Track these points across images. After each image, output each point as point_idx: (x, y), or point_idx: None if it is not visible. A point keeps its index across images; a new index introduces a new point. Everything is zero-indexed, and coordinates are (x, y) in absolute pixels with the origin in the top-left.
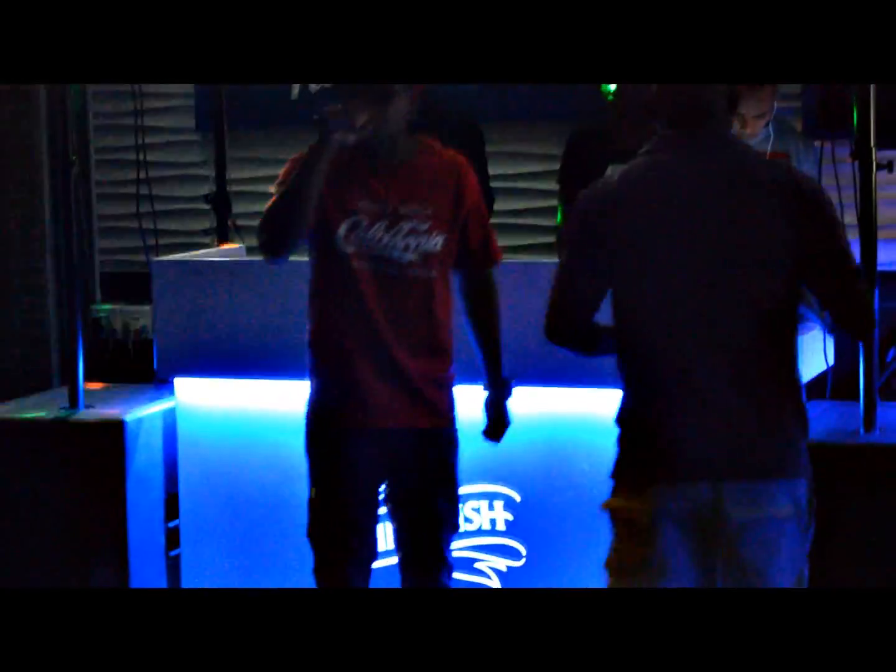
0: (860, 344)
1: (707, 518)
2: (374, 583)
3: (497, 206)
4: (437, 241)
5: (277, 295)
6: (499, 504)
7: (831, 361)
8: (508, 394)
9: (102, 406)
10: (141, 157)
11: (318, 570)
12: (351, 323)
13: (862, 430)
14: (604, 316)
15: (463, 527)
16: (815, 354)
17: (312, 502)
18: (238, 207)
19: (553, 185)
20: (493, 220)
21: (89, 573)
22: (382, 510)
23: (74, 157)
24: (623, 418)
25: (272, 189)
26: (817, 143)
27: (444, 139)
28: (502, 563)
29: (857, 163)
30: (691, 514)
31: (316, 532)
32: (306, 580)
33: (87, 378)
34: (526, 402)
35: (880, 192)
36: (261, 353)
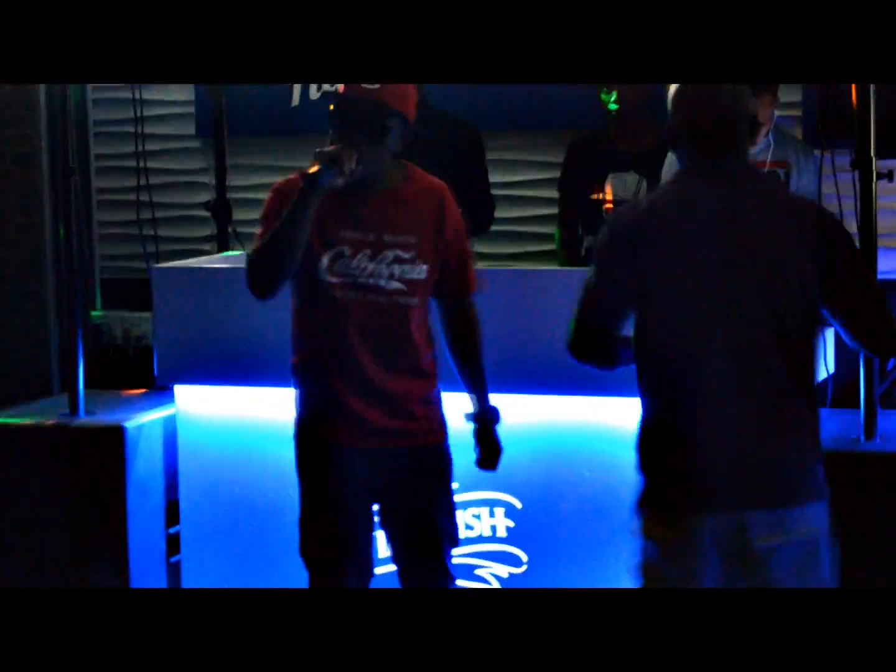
0: (861, 352)
1: (734, 545)
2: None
3: (497, 214)
4: (421, 269)
5: (277, 302)
6: (500, 511)
7: (832, 369)
8: (497, 421)
9: (103, 412)
10: (141, 164)
11: (313, 587)
12: (334, 350)
13: (863, 438)
14: None
15: (464, 534)
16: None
17: (304, 521)
18: (238, 214)
19: (552, 193)
20: (493, 228)
21: (90, 579)
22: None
23: (75, 164)
24: (646, 445)
25: (258, 230)
26: (817, 153)
27: (444, 146)
28: (503, 570)
29: (857, 172)
30: (719, 542)
31: (309, 550)
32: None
33: (88, 385)
34: (526, 409)
35: (880, 201)
36: (261, 361)
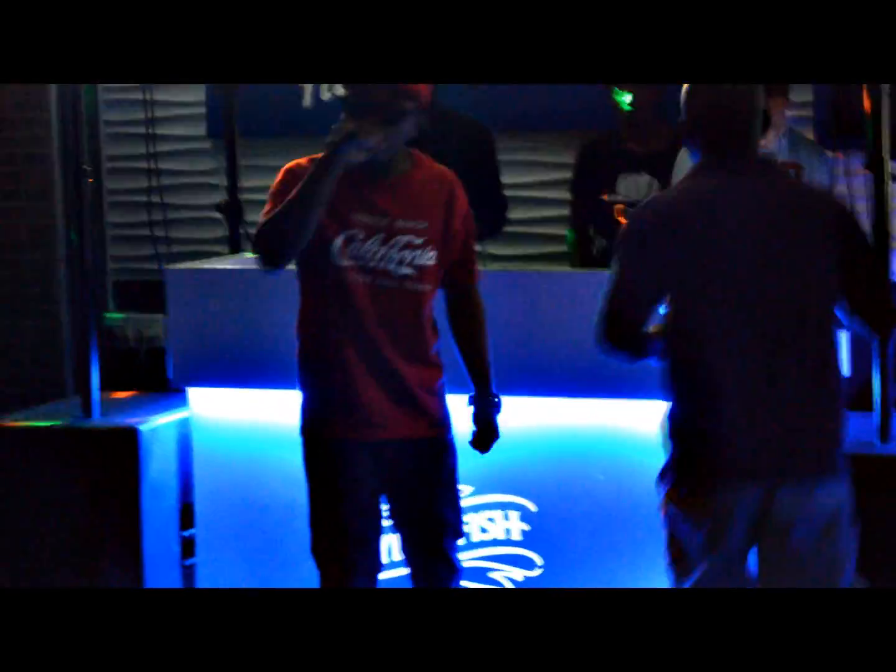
0: (875, 355)
1: (760, 514)
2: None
3: (509, 215)
4: (431, 256)
5: (290, 304)
6: (514, 514)
7: (846, 372)
8: (497, 410)
9: (116, 415)
10: (153, 165)
11: (324, 586)
12: (348, 334)
13: (877, 442)
14: None
15: (478, 536)
16: None
17: (314, 518)
18: (250, 216)
19: (564, 195)
20: (504, 229)
21: (104, 581)
22: (386, 522)
23: (86, 166)
24: (675, 423)
25: (266, 205)
26: (830, 154)
27: (456, 147)
28: (518, 573)
29: (870, 174)
30: (748, 512)
31: (319, 548)
32: None
33: (101, 387)
34: (541, 412)
35: (893, 203)
36: (274, 363)
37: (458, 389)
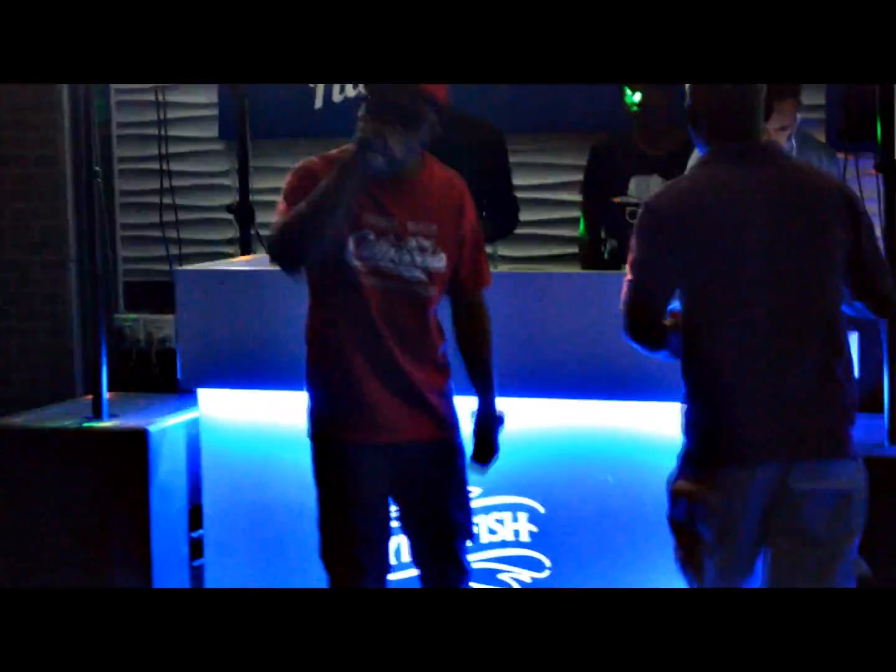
0: (885, 357)
1: (774, 491)
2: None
3: (520, 217)
4: (440, 259)
5: (300, 305)
6: (523, 516)
7: (856, 374)
8: (499, 426)
9: (126, 416)
10: (164, 166)
11: (333, 585)
12: (357, 336)
13: (887, 443)
14: None
15: (487, 538)
16: None
17: (322, 521)
18: (261, 217)
19: (575, 196)
20: (517, 231)
21: (113, 582)
22: (394, 523)
23: (98, 167)
24: (690, 414)
25: (280, 206)
26: (841, 156)
27: (468, 150)
28: (526, 575)
29: (881, 175)
30: (760, 492)
31: (328, 551)
32: None
33: (111, 388)
34: (550, 414)
35: None
36: (284, 364)
37: (466, 391)
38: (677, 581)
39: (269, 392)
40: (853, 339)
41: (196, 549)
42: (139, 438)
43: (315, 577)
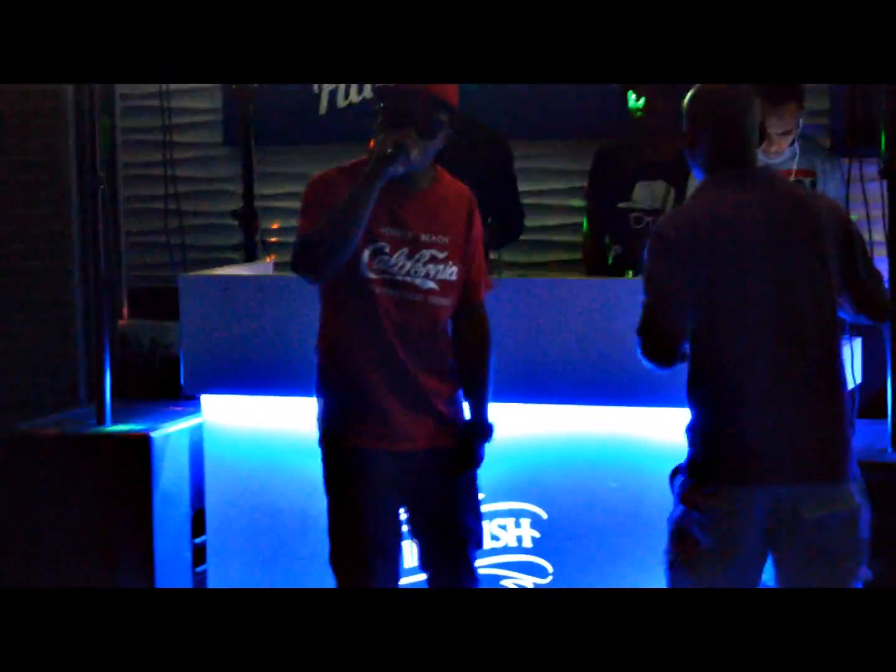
0: (889, 363)
1: (785, 517)
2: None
3: (525, 223)
4: (452, 271)
5: (305, 311)
6: (525, 521)
7: (859, 379)
8: (486, 437)
9: (129, 422)
10: (169, 172)
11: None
12: (371, 346)
13: (890, 449)
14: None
15: (489, 544)
16: None
17: (333, 527)
18: (266, 223)
19: (580, 202)
20: (521, 237)
21: (116, 587)
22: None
23: (102, 173)
24: (697, 427)
25: (300, 220)
26: (844, 162)
27: (474, 156)
28: (529, 581)
29: (885, 181)
30: (764, 512)
31: (338, 557)
32: None
33: (114, 394)
34: (553, 420)
35: None
36: (288, 371)
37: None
38: None
39: (272, 398)
40: (857, 345)
41: (199, 554)
42: (142, 444)
43: (317, 582)
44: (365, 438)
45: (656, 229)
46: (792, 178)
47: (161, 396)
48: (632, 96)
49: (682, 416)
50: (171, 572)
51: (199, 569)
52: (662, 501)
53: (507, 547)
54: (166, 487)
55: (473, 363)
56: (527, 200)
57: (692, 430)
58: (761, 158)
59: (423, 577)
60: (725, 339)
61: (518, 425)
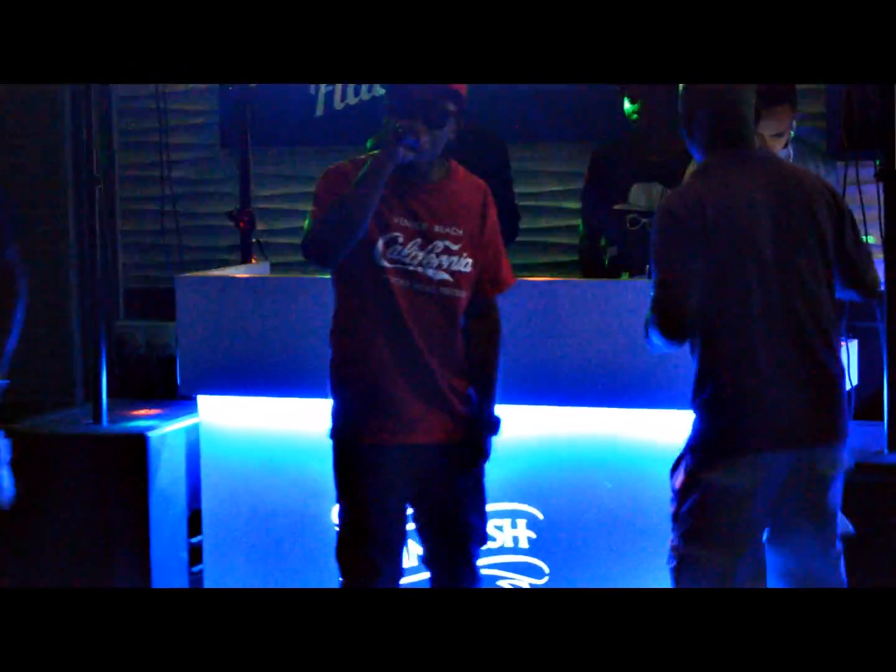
0: (885, 365)
1: (801, 477)
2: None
3: (520, 225)
4: (467, 262)
5: (301, 312)
6: (522, 522)
7: (855, 381)
8: (494, 432)
9: (126, 422)
10: (165, 173)
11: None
12: (387, 337)
13: (886, 450)
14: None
15: (486, 545)
16: None
17: (340, 522)
18: (262, 224)
19: (576, 204)
20: (517, 238)
21: (112, 587)
22: (409, 526)
23: (99, 174)
24: (714, 397)
25: (311, 209)
26: (840, 164)
27: (470, 156)
28: (525, 581)
29: (881, 184)
30: (780, 476)
31: (343, 552)
32: None
33: (111, 394)
34: (549, 421)
35: None
36: (284, 371)
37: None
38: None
39: (268, 399)
40: (853, 347)
41: (195, 554)
42: (139, 444)
43: (313, 581)
44: (379, 434)
45: (665, 207)
46: None
47: (157, 396)
48: (626, 102)
49: (676, 418)
50: (168, 572)
51: (195, 568)
52: (657, 502)
53: (504, 547)
54: (163, 487)
55: (483, 357)
56: (523, 202)
57: (708, 404)
58: None
59: (421, 576)
60: (739, 311)
61: (513, 426)
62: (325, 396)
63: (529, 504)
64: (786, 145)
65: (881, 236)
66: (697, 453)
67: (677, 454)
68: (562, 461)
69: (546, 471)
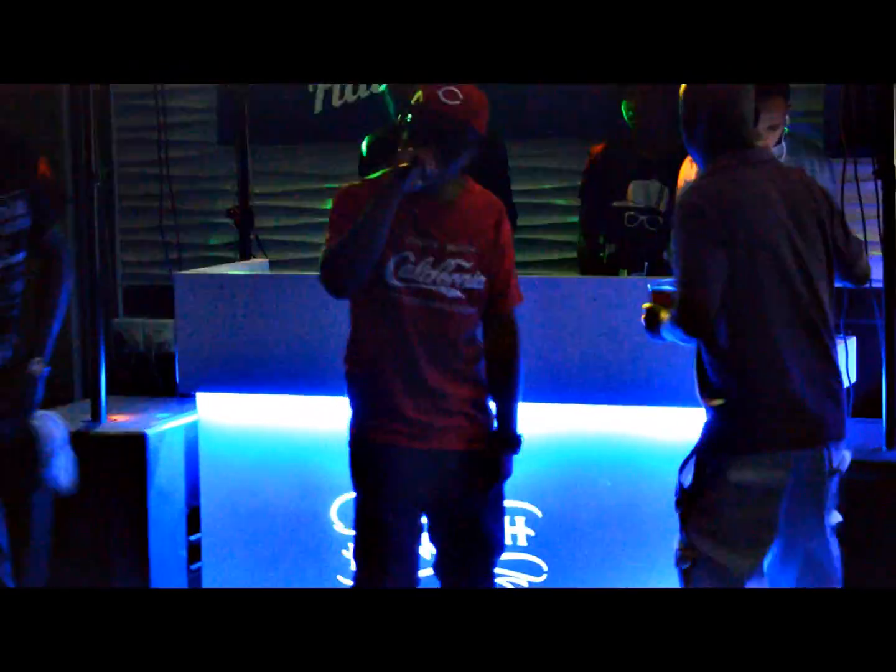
0: (883, 363)
1: (815, 472)
2: None
3: (518, 222)
4: (479, 280)
5: (300, 309)
6: (520, 520)
7: (854, 379)
8: (514, 450)
9: (124, 420)
10: (164, 171)
11: (357, 585)
12: (393, 353)
13: (884, 448)
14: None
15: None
16: None
17: (357, 519)
18: (260, 222)
19: (571, 201)
20: (515, 236)
21: (111, 585)
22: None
23: (97, 172)
24: (740, 395)
25: (327, 233)
26: (835, 161)
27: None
28: (523, 579)
29: (879, 181)
30: (803, 471)
31: (358, 550)
32: None
33: (109, 391)
34: (547, 419)
35: None
36: (282, 369)
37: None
38: (674, 584)
39: (267, 396)
40: (851, 345)
41: (194, 552)
42: (137, 442)
43: (312, 579)
44: (392, 436)
45: (687, 204)
46: None
47: (156, 394)
48: (625, 98)
49: (674, 415)
50: (167, 570)
51: (194, 566)
52: (656, 499)
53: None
54: (161, 485)
55: (500, 373)
56: (521, 199)
57: (734, 402)
58: None
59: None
60: (764, 308)
61: None
62: (324, 394)
63: (528, 502)
64: (779, 140)
65: (879, 233)
66: (719, 452)
67: (687, 452)
68: (560, 459)
69: (544, 468)
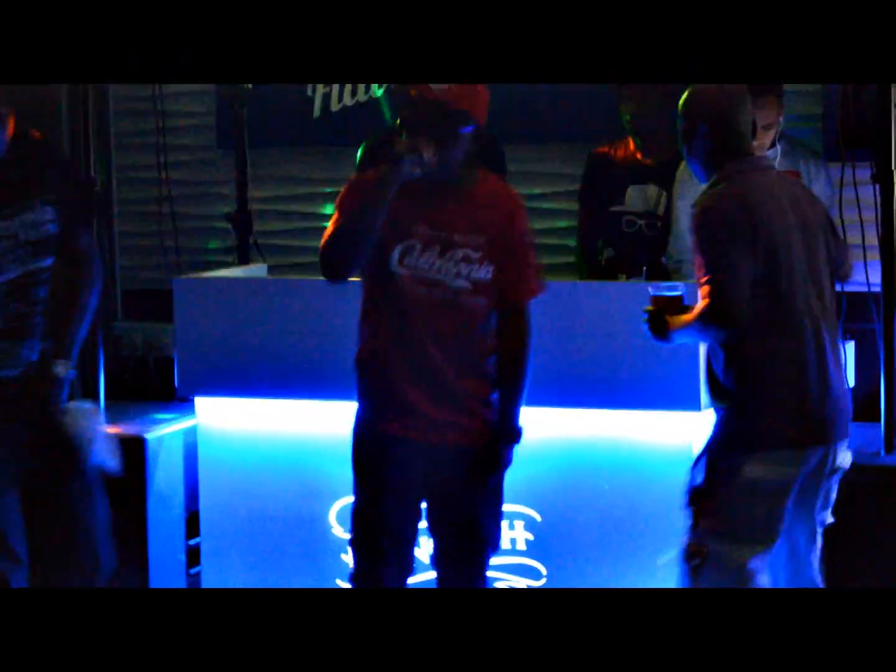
0: (882, 366)
1: (821, 470)
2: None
3: None
4: (488, 270)
5: (298, 314)
6: (519, 524)
7: (852, 382)
8: (515, 441)
9: (123, 424)
10: (162, 175)
11: (356, 578)
12: (400, 343)
13: (882, 452)
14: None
15: (498, 551)
16: None
17: (355, 510)
18: (259, 226)
19: (567, 205)
20: None
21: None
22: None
23: (96, 175)
24: (760, 393)
25: (333, 217)
26: (830, 164)
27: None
28: (522, 583)
29: (877, 185)
30: (812, 469)
31: (356, 539)
32: None
33: (108, 396)
34: (546, 423)
35: None
36: (281, 373)
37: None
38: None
39: (266, 400)
40: (849, 348)
41: (193, 556)
42: (136, 446)
43: (311, 583)
44: (394, 425)
45: (710, 208)
46: None
47: (155, 398)
48: (623, 102)
49: (674, 419)
50: (166, 574)
51: (193, 570)
52: (656, 503)
53: (501, 549)
54: (160, 489)
55: (507, 364)
56: None
57: (754, 400)
58: None
59: (427, 576)
60: (785, 309)
61: None
62: (323, 398)
63: (527, 506)
64: (774, 142)
65: (877, 237)
66: (732, 449)
67: (686, 455)
68: (559, 463)
69: (543, 472)
